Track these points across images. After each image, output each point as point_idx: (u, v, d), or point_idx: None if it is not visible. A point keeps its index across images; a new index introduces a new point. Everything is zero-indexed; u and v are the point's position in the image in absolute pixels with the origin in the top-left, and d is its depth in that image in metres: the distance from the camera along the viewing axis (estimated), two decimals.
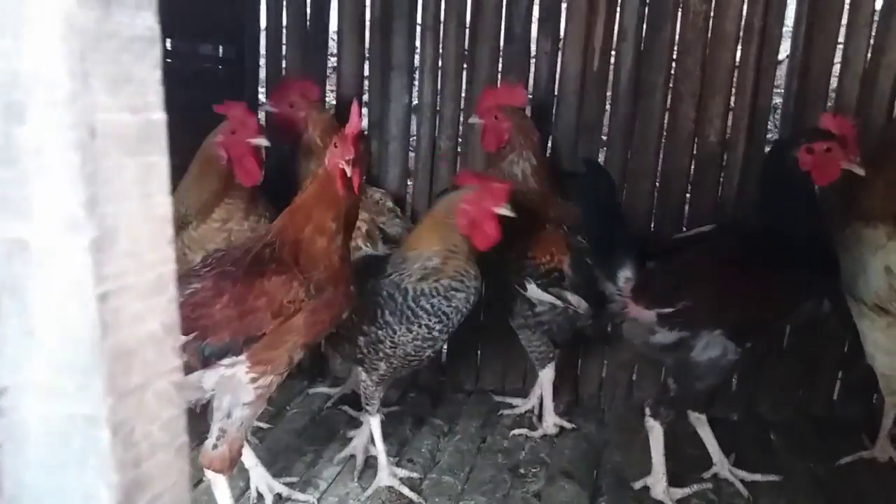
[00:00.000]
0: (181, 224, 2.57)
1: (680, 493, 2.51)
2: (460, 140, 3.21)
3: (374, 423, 2.50)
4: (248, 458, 2.36)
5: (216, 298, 1.94)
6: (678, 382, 2.46)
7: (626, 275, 2.36)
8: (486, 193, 2.27)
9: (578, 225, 2.71)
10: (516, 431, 2.94)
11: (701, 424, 2.61)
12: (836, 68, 2.90)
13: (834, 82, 2.90)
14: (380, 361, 2.38)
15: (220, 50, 3.19)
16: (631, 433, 2.99)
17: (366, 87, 3.24)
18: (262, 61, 3.33)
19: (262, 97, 3.36)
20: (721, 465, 2.64)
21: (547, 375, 2.94)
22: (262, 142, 2.59)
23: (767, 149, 2.95)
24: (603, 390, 3.29)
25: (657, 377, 3.19)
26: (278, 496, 2.38)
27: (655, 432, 2.49)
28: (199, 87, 2.97)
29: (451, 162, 3.23)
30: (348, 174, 1.97)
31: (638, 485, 2.54)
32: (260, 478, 2.38)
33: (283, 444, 2.77)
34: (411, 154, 3.28)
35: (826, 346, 3.08)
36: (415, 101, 3.24)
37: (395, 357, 2.36)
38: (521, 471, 2.69)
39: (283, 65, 3.26)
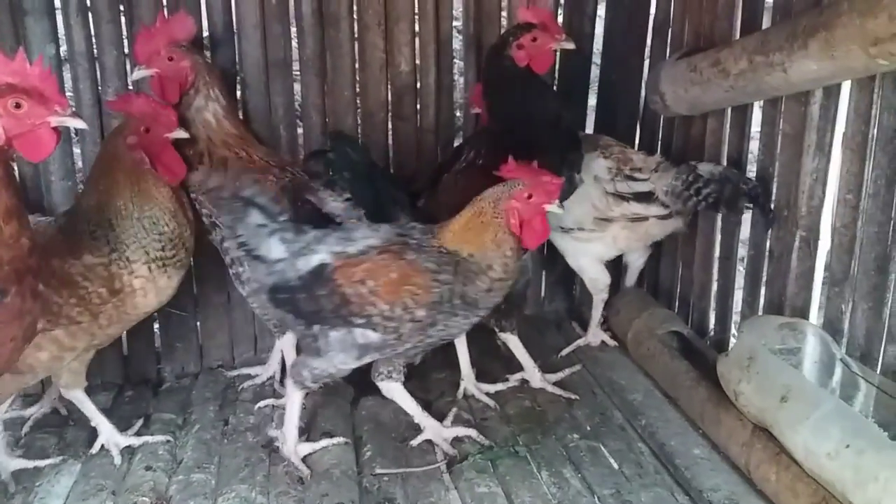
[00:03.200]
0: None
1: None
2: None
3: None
4: None
5: None
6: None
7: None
8: (537, 189, 2.11)
9: (287, 162, 2.58)
10: (261, 404, 2.73)
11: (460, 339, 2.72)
12: None
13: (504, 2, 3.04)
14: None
15: None
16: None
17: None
18: None
19: None
20: (468, 379, 2.76)
21: (289, 340, 2.76)
22: (182, 133, 2.35)
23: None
24: None
25: None
26: None
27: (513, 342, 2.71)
28: None
29: None
30: None
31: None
32: None
33: None
34: None
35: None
36: (63, 52, 2.68)
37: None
38: (277, 444, 2.51)
39: None
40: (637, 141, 3.23)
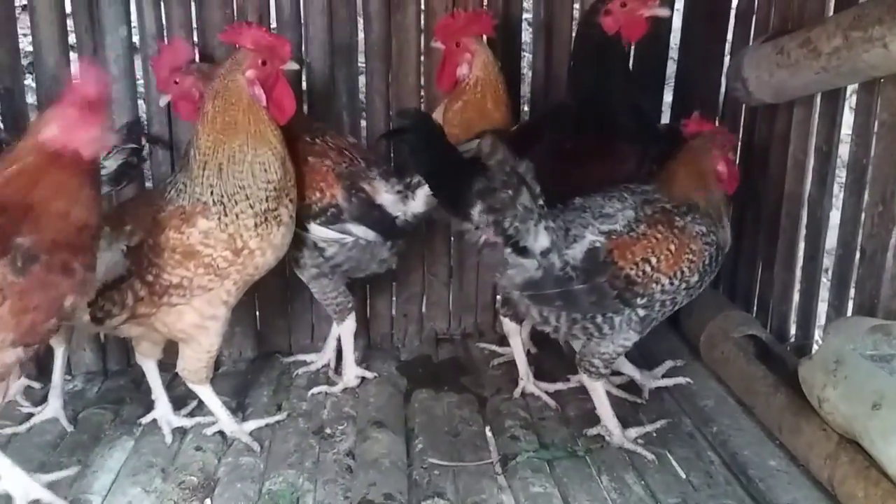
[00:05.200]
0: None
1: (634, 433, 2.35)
2: None
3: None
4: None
5: None
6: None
7: (478, 210, 2.11)
8: (724, 139, 2.23)
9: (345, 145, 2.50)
10: (315, 391, 2.68)
11: (514, 333, 2.58)
12: None
13: None
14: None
15: None
16: (430, 366, 2.94)
17: (70, 25, 2.64)
18: None
19: None
20: (526, 378, 2.64)
21: (348, 327, 2.70)
22: (295, 65, 2.24)
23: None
24: (395, 328, 3.14)
25: (446, 306, 3.14)
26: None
27: (598, 391, 2.33)
28: None
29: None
30: None
31: (592, 432, 2.37)
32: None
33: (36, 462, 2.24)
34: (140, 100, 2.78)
35: None
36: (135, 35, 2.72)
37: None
38: (328, 431, 2.46)
39: None
40: None
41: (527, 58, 3.09)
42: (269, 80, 2.16)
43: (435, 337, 3.15)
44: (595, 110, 2.38)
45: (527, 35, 3.02)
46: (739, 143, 2.89)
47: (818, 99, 2.40)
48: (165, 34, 2.71)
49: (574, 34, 2.68)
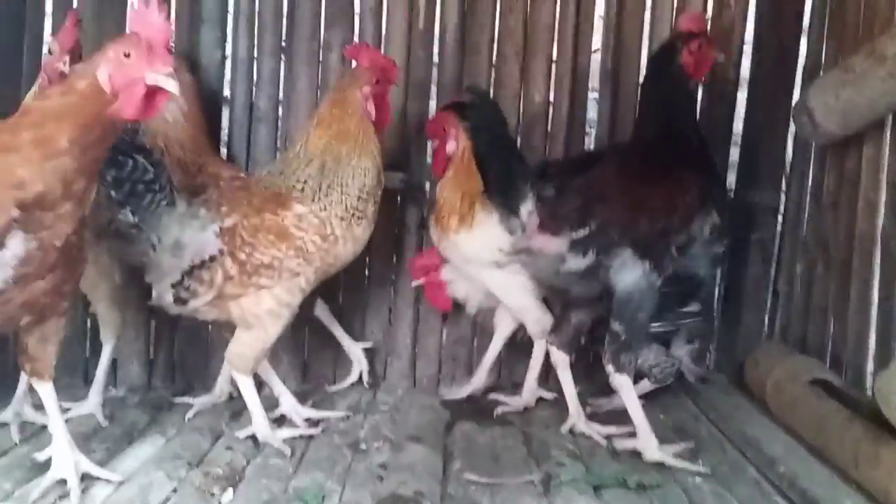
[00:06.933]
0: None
1: (671, 450, 2.25)
2: (281, 99, 2.93)
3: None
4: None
5: None
6: (622, 319, 2.26)
7: (528, 208, 2.16)
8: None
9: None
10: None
11: (563, 365, 2.47)
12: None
13: (646, 41, 3.01)
14: None
15: None
16: (475, 402, 2.80)
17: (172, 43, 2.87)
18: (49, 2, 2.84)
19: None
20: (577, 416, 2.49)
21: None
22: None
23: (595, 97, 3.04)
24: (442, 370, 3.05)
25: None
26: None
27: (626, 387, 2.27)
28: None
29: (272, 123, 2.93)
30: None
31: (623, 445, 2.28)
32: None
33: None
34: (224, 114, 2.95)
35: None
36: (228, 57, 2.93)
37: None
38: (363, 446, 2.36)
39: None
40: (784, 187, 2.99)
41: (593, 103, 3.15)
42: (378, 98, 2.38)
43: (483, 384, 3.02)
44: (663, 141, 2.38)
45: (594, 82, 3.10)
46: (809, 193, 2.83)
47: (888, 134, 2.33)
48: (256, 60, 2.91)
49: (642, 78, 2.73)
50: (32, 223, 1.58)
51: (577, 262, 2.24)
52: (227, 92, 2.95)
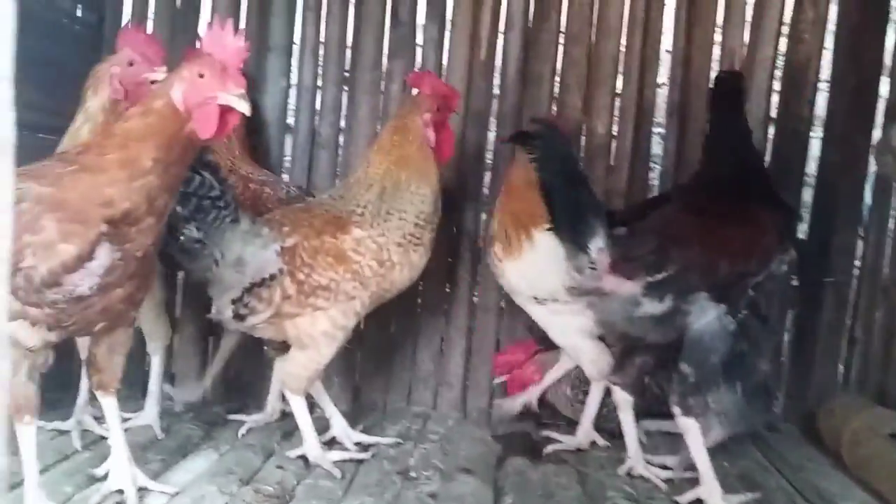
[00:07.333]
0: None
1: (736, 499, 2.14)
2: (343, 127, 2.97)
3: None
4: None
5: None
6: (692, 363, 2.13)
7: (598, 245, 2.08)
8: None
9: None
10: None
11: (625, 406, 2.38)
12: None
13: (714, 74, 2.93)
14: None
15: (79, 9, 2.82)
16: (529, 439, 2.69)
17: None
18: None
19: None
20: (636, 457, 2.39)
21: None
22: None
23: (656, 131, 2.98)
24: (493, 403, 2.98)
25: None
26: None
27: (693, 432, 2.14)
28: (53, 41, 2.61)
29: (333, 150, 2.98)
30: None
31: (685, 499, 2.15)
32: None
33: None
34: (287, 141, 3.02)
35: None
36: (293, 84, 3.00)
37: None
38: (412, 474, 2.31)
39: None
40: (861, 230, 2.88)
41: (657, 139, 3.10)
42: (438, 125, 2.37)
43: (537, 420, 2.92)
44: (732, 177, 2.30)
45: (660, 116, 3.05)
46: (890, 236, 2.70)
47: None
48: (319, 89, 2.97)
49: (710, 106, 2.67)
50: (118, 237, 1.66)
51: (653, 307, 2.12)
52: (290, 119, 3.01)
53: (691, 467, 2.26)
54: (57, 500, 1.86)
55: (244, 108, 1.71)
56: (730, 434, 2.45)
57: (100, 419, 2.32)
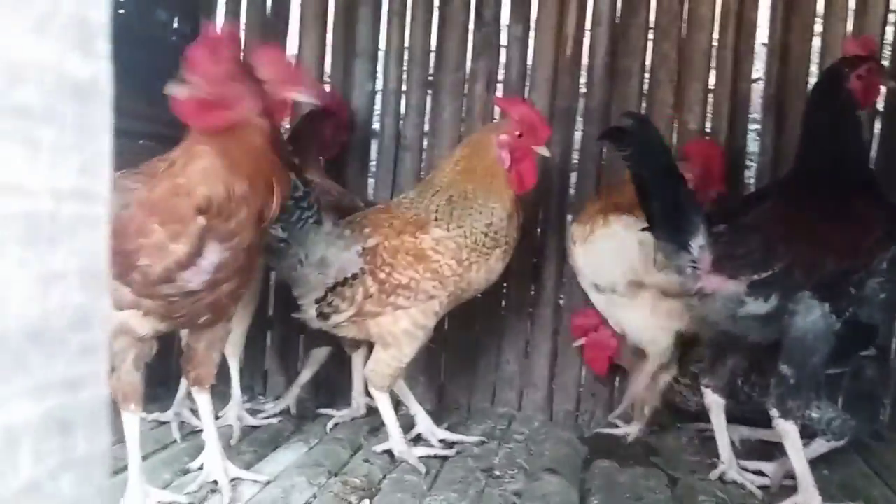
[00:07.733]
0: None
1: None
2: (426, 129, 3.01)
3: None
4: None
5: None
6: (793, 364, 2.05)
7: (699, 242, 2.02)
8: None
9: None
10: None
11: (717, 409, 2.29)
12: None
13: (814, 68, 2.82)
14: None
15: (175, 21, 2.97)
16: (616, 442, 2.65)
17: (327, 75, 3.05)
18: None
19: None
20: (730, 462, 2.30)
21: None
22: (545, 152, 2.37)
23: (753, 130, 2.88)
24: (581, 406, 2.95)
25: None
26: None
27: (792, 436, 2.05)
28: (149, 50, 2.73)
29: (417, 153, 3.02)
30: None
31: None
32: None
33: None
34: (373, 144, 3.08)
35: None
36: (378, 88, 3.05)
37: None
38: (497, 473, 2.31)
39: None
40: None
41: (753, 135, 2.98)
42: (519, 152, 2.32)
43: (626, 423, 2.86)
44: (832, 172, 2.20)
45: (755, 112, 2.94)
46: None
47: None
48: (404, 93, 3.02)
49: (810, 100, 2.55)
50: (222, 233, 1.73)
51: (757, 307, 2.04)
52: (375, 124, 3.07)
53: (789, 475, 2.17)
54: (156, 486, 1.96)
55: (308, 97, 1.87)
56: (833, 447, 2.36)
57: (196, 412, 2.41)
